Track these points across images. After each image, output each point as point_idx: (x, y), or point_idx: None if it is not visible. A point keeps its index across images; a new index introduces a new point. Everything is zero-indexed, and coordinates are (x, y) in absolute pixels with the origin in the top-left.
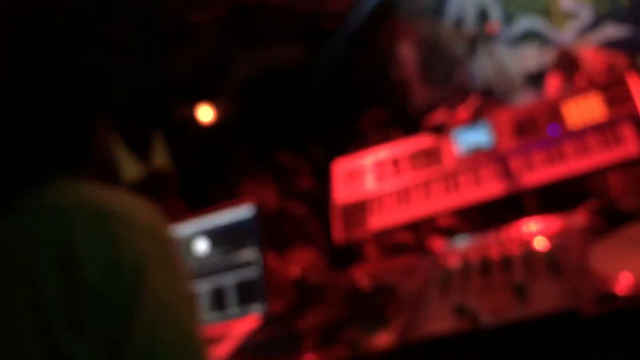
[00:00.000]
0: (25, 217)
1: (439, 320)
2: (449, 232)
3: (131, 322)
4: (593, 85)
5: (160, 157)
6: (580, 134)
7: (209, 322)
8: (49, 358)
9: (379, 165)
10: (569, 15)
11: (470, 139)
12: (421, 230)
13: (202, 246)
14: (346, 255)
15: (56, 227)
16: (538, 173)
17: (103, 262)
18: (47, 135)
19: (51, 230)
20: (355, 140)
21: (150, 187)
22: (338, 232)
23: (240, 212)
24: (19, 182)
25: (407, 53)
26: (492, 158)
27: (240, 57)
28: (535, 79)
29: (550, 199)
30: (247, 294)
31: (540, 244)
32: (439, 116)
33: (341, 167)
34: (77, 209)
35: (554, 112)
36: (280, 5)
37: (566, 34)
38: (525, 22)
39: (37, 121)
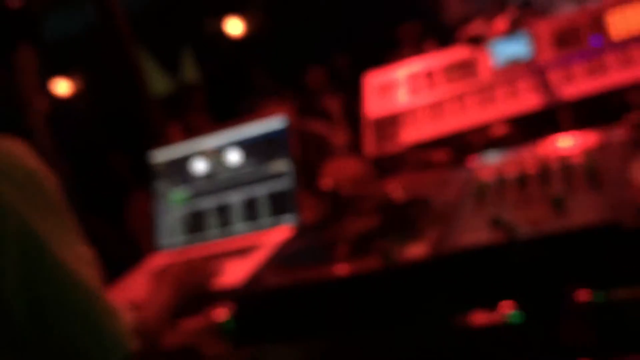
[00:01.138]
0: None
1: (474, 232)
2: (485, 146)
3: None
4: None
5: (189, 71)
6: (624, 45)
7: (241, 232)
8: None
9: (412, 77)
10: None
11: (508, 50)
12: (455, 143)
13: (234, 157)
14: (378, 169)
15: None
16: (578, 85)
17: None
18: None
19: None
20: (389, 52)
21: (179, 100)
22: (369, 146)
23: (272, 123)
24: None
25: None
26: (530, 70)
27: None
28: None
29: (590, 112)
30: (279, 204)
31: (579, 157)
32: (475, 27)
33: (373, 80)
34: None
35: (597, 22)
36: None
37: None
38: None
39: None
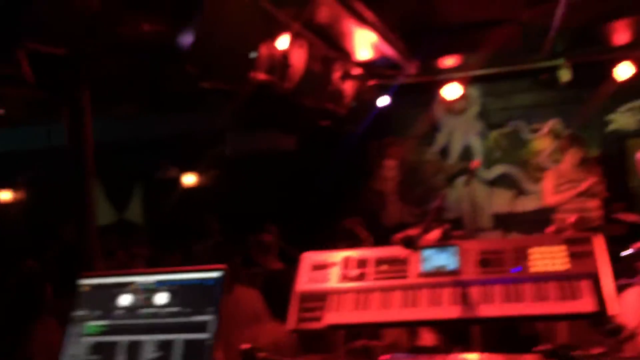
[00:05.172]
0: None
1: None
2: (402, 347)
3: None
4: (561, 237)
5: (135, 209)
6: (541, 280)
7: None
8: None
9: (346, 263)
10: (543, 170)
11: (437, 259)
12: (373, 335)
13: (162, 299)
14: (300, 341)
15: None
16: (494, 307)
17: None
18: None
19: None
20: (329, 237)
21: (119, 233)
22: (292, 318)
23: (207, 274)
24: None
25: (391, 168)
26: (454, 283)
27: (236, 134)
28: (504, 221)
29: (503, 335)
30: (194, 354)
31: None
32: (411, 232)
33: (310, 257)
34: None
35: (520, 253)
36: (286, 94)
37: (539, 186)
38: (503, 168)
39: None
